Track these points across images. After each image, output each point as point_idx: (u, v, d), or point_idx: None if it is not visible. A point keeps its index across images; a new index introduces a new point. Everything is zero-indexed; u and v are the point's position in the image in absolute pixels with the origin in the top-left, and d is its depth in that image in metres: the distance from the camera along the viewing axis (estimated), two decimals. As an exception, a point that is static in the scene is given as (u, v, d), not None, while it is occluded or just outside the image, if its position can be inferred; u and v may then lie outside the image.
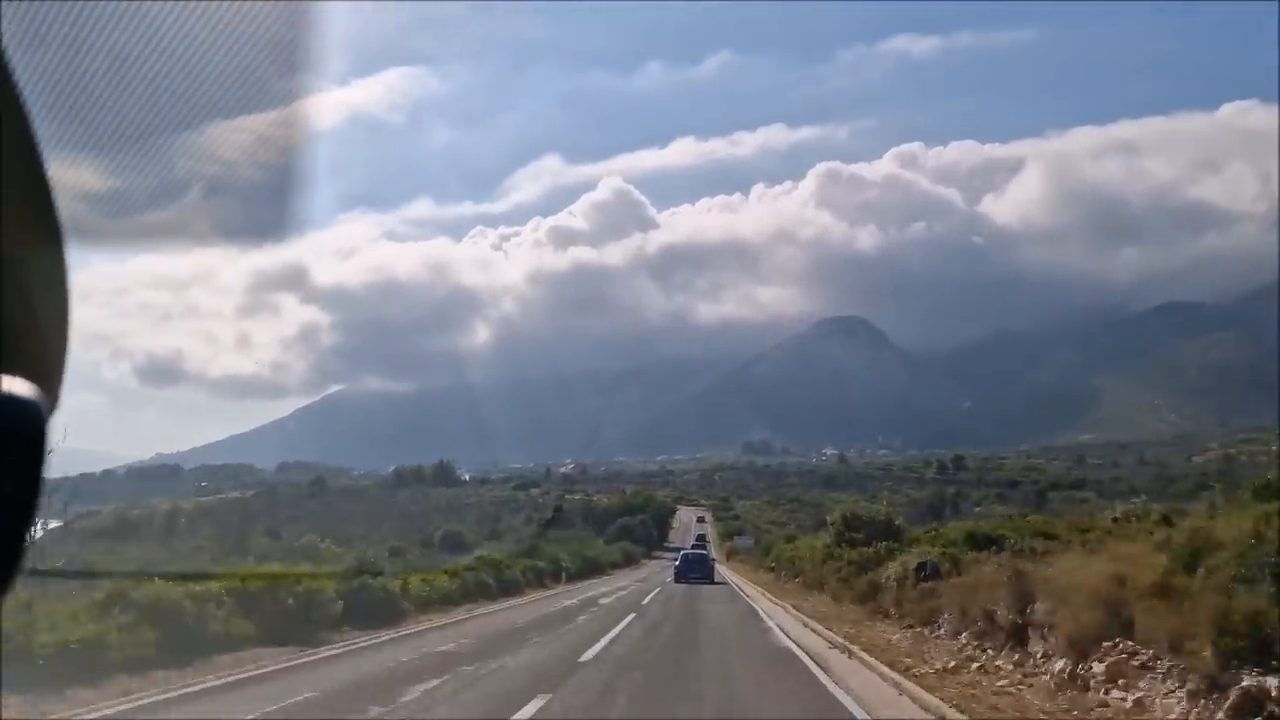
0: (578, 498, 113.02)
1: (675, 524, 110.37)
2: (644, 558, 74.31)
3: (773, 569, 42.27)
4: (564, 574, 37.26)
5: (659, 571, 55.61)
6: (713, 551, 65.94)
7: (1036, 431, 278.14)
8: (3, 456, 0.96)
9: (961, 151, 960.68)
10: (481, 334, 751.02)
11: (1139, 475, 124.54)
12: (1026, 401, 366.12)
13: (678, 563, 44.64)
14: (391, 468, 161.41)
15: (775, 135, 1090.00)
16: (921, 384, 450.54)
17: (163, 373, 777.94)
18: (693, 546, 64.81)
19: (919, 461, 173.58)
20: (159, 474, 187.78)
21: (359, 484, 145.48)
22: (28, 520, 1.00)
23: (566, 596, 29.81)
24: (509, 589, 29.13)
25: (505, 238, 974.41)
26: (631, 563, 67.09)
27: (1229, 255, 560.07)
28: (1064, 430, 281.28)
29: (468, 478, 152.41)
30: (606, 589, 34.24)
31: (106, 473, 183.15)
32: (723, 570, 54.42)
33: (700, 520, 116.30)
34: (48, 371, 1.05)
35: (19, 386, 0.98)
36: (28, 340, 1.03)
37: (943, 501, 68.28)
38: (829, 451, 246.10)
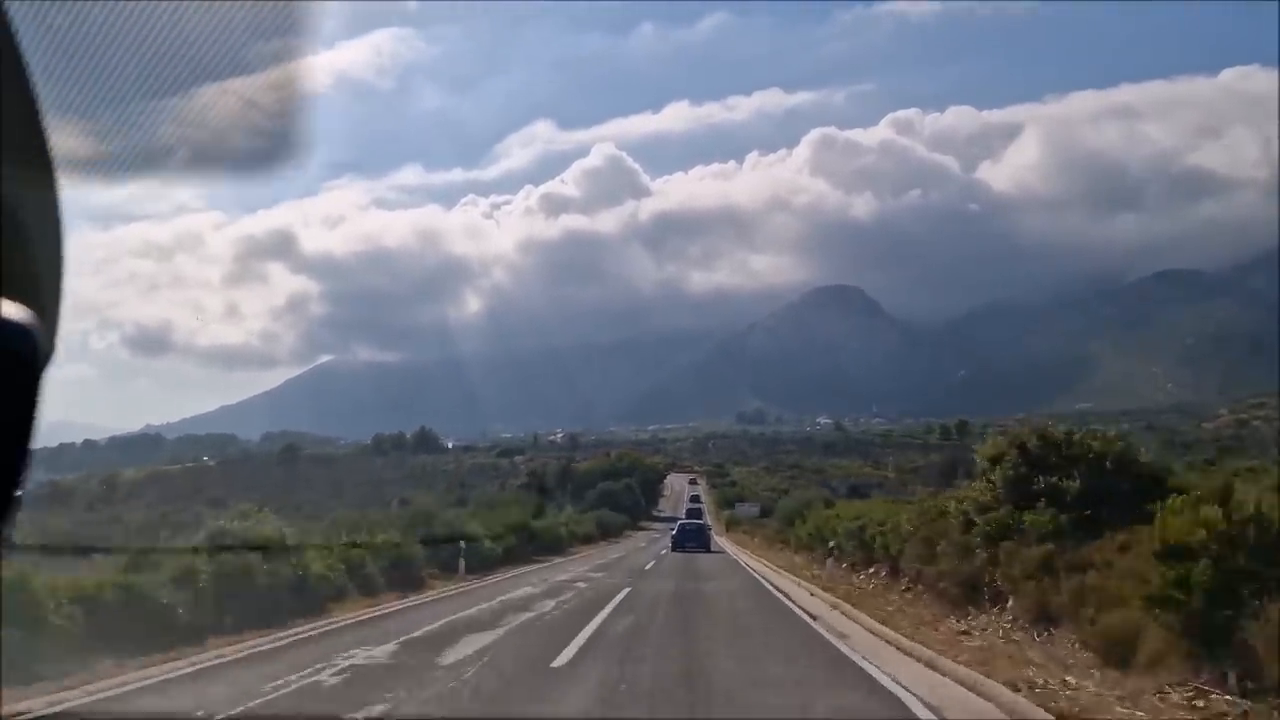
0: (561, 463, 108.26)
1: (666, 490, 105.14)
2: (628, 529, 65.28)
3: (833, 551, 24.94)
4: (462, 563, 23.88)
5: (643, 548, 44.42)
6: (708, 520, 61.67)
7: (1032, 400, 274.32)
8: None
9: (959, 117, 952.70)
10: (472, 304, 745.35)
11: (1149, 442, 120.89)
12: (1022, 370, 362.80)
13: (674, 532, 44.41)
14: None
15: (771, 100, 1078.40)
16: (916, 353, 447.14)
17: (152, 343, 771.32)
18: (687, 514, 61.86)
19: (919, 429, 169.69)
20: (141, 444, 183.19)
21: (334, 452, 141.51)
22: (24, 447, 0.96)
23: (405, 621, 14.08)
24: (317, 599, 14.92)
25: (496, 206, 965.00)
26: (609, 536, 55.02)
27: (1228, 222, 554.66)
28: (1060, 399, 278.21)
29: (451, 445, 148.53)
30: (531, 590, 19.84)
31: (88, 443, 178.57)
32: (723, 543, 49.86)
33: (693, 483, 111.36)
34: (43, 308, 1.02)
35: (14, 311, 0.95)
36: (24, 276, 1.00)
37: (954, 465, 64.00)
38: (823, 421, 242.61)
